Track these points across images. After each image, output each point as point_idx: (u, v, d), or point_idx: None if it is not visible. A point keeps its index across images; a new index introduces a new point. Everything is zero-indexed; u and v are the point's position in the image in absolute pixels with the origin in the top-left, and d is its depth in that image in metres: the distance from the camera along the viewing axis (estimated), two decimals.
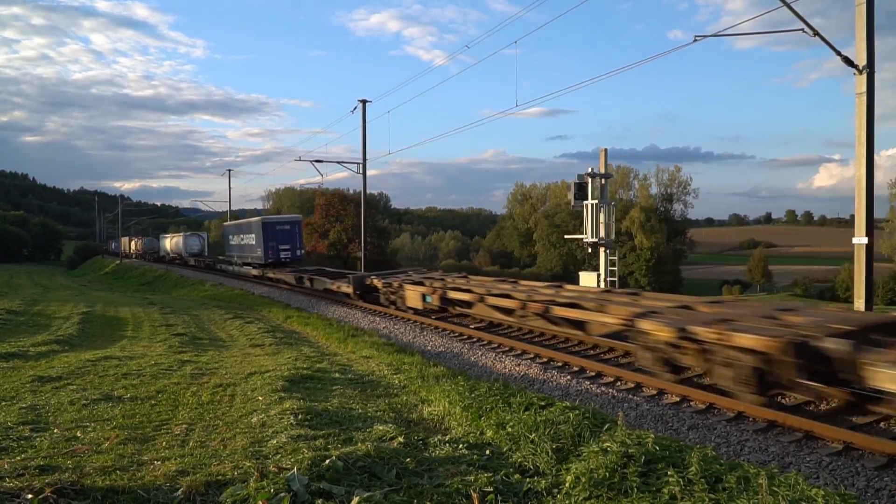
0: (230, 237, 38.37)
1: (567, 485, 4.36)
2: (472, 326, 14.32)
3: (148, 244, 73.31)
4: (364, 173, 31.75)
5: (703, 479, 4.14)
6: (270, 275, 30.21)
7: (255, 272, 32.85)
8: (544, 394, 7.92)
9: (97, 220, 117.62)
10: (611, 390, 8.78)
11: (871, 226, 11.13)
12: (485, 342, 12.86)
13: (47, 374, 8.73)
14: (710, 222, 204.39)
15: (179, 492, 4.15)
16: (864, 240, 11.00)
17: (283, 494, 3.97)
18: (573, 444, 5.17)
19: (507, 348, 12.10)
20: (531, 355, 11.27)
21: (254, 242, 32.30)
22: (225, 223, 41.95)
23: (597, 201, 19.55)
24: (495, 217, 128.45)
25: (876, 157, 11.33)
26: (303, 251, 32.20)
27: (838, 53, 11.08)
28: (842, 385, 6.93)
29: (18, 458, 4.94)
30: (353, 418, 6.42)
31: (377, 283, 19.21)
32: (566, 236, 39.39)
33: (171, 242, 59.63)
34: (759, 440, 6.58)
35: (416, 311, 16.84)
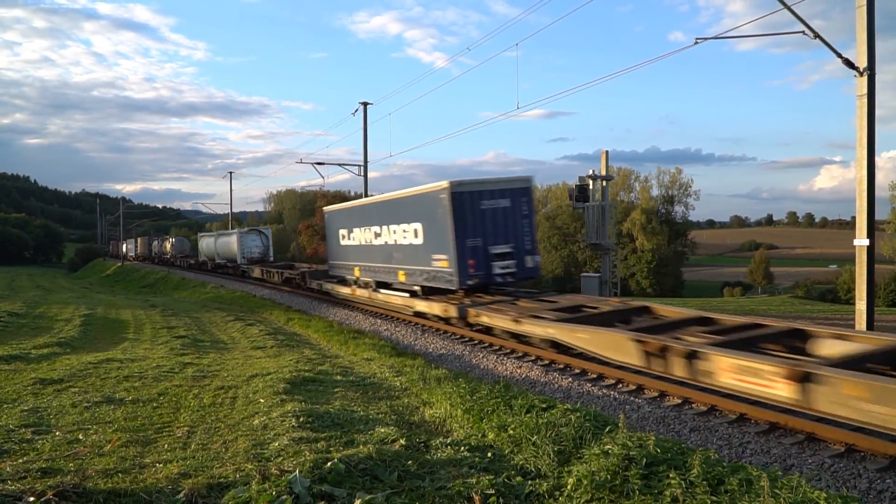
0: (342, 233, 21.05)
1: (569, 487, 4.36)
2: (473, 329, 14.26)
3: (178, 245, 58.50)
4: (365, 175, 31.78)
5: (704, 482, 4.13)
6: (515, 327, 11.45)
7: (432, 309, 14.83)
8: (546, 396, 7.91)
9: (98, 222, 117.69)
10: (612, 392, 8.78)
11: (873, 227, 11.12)
12: (486, 344, 12.85)
13: (49, 376, 8.74)
14: (711, 224, 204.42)
15: (181, 494, 4.16)
16: (866, 241, 10.99)
17: (284, 497, 3.98)
18: (575, 447, 5.17)
19: (508, 350, 12.09)
20: (532, 357, 11.26)
21: (419, 241, 15.48)
22: (328, 208, 23.56)
23: (598, 203, 19.56)
24: None
25: (877, 158, 11.37)
26: (538, 258, 15.26)
27: (839, 55, 11.07)
28: None
29: (20, 460, 4.95)
30: (354, 420, 6.42)
31: None
32: (567, 238, 39.35)
33: (217, 244, 41.99)
34: (761, 442, 6.57)
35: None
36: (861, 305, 11.06)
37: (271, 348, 12.49)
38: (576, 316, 10.88)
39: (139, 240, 73.34)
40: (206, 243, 45.61)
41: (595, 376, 9.66)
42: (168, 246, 59.43)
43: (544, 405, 6.47)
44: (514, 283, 15.36)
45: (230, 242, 38.78)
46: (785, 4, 10.90)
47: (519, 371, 10.50)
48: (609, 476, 4.30)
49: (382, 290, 18.03)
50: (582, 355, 10.02)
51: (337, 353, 12.43)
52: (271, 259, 37.61)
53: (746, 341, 8.10)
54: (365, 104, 31.52)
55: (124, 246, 78.35)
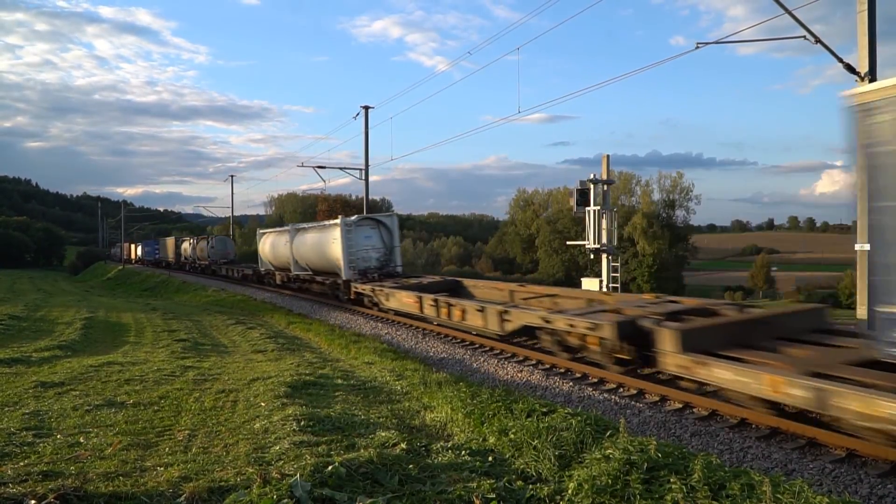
0: None
1: (570, 492, 4.36)
2: (474, 333, 14.26)
3: (218, 247, 43.67)
4: (366, 179, 31.83)
5: (706, 486, 4.13)
6: None
7: None
8: (547, 400, 7.91)
9: (100, 225, 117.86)
10: (613, 397, 8.77)
11: None
12: (487, 348, 12.85)
13: (50, 379, 8.74)
14: (712, 228, 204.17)
15: (182, 498, 4.16)
16: (867, 246, 10.98)
17: (286, 500, 3.97)
18: (576, 451, 5.17)
19: (509, 354, 12.08)
20: (533, 361, 11.26)
21: None
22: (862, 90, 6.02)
23: (599, 207, 19.56)
24: (497, 223, 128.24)
25: None
26: None
27: (840, 60, 11.10)
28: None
29: (21, 463, 4.95)
30: (355, 424, 6.42)
31: None
32: (568, 242, 39.29)
33: (295, 244, 25.41)
34: (763, 447, 6.56)
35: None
36: (862, 310, 11.04)
37: (272, 352, 12.49)
38: None
39: (166, 241, 59.27)
40: (273, 244, 28.49)
41: (596, 380, 9.66)
42: (205, 248, 44.14)
43: (545, 409, 6.47)
44: None
45: (326, 242, 22.05)
46: (786, 9, 10.94)
47: (520, 375, 10.49)
48: (610, 481, 4.30)
49: None
50: (583, 361, 10.25)
51: (338, 356, 12.42)
52: (399, 268, 21.87)
53: None
54: (366, 108, 31.60)
55: (138, 249, 69.95)
